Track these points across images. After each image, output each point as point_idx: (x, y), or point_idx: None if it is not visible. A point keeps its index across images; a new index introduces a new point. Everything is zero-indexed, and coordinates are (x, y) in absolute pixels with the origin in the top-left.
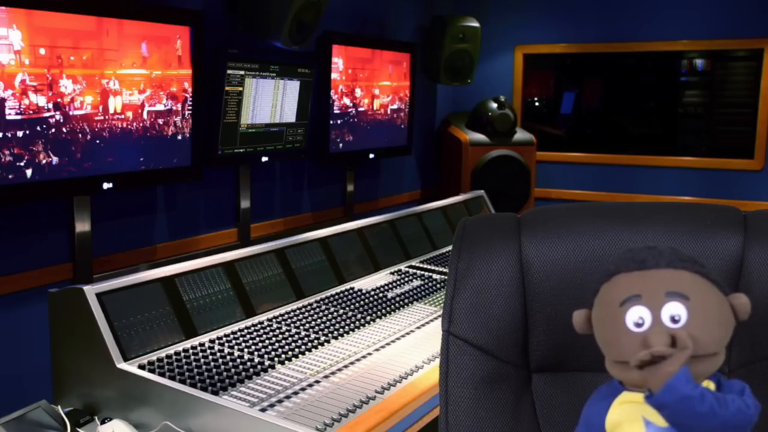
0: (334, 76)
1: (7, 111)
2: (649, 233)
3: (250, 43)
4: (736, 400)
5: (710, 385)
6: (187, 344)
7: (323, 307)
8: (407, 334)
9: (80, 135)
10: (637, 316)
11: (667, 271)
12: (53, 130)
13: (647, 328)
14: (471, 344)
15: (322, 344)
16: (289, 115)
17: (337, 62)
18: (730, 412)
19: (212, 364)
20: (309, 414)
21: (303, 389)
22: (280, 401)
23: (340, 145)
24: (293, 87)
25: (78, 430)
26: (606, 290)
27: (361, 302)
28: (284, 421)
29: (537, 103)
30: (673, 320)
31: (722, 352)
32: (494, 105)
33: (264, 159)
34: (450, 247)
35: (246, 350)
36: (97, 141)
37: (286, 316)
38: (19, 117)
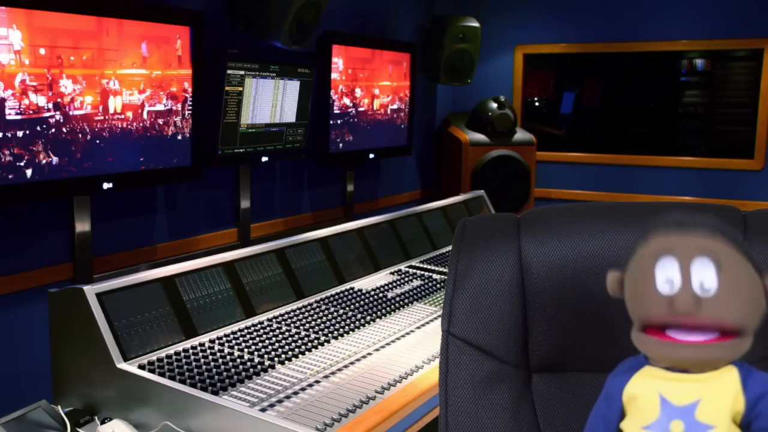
0: (334, 76)
1: (7, 111)
2: None
3: (250, 43)
4: None
5: (733, 371)
6: (187, 344)
7: (323, 307)
8: (407, 334)
9: (80, 135)
10: (667, 271)
11: (705, 235)
12: (53, 130)
13: (676, 290)
14: (471, 344)
15: (322, 344)
16: (289, 115)
17: (337, 62)
18: None
19: (212, 364)
20: (309, 414)
21: (303, 389)
22: (280, 401)
23: (340, 145)
24: (293, 87)
25: (78, 430)
26: (641, 249)
27: (361, 302)
28: (284, 421)
29: (537, 103)
30: (703, 288)
31: (749, 335)
32: (494, 105)
33: (264, 159)
34: (450, 247)
35: (246, 350)
36: (97, 141)
37: (286, 316)
38: (19, 117)
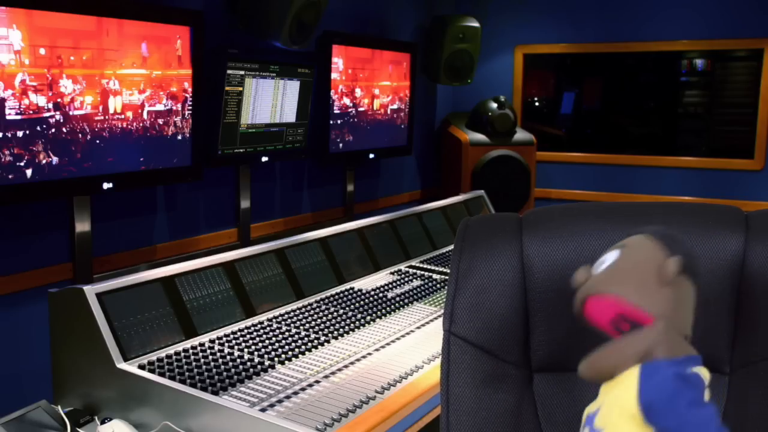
0: (334, 76)
1: (7, 111)
2: None
3: (250, 43)
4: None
5: (632, 377)
6: (187, 344)
7: (323, 307)
8: (407, 334)
9: (80, 135)
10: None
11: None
12: (53, 130)
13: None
14: (472, 344)
15: (322, 344)
16: (289, 115)
17: (337, 62)
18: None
19: (212, 364)
20: (309, 414)
21: (303, 389)
22: (280, 401)
23: (340, 145)
24: (293, 87)
25: (78, 430)
26: None
27: (361, 302)
28: (284, 421)
29: (537, 103)
30: (599, 264)
31: (653, 324)
32: (494, 105)
33: (264, 159)
34: (450, 247)
35: (246, 350)
36: (97, 141)
37: (286, 316)
38: (19, 117)
